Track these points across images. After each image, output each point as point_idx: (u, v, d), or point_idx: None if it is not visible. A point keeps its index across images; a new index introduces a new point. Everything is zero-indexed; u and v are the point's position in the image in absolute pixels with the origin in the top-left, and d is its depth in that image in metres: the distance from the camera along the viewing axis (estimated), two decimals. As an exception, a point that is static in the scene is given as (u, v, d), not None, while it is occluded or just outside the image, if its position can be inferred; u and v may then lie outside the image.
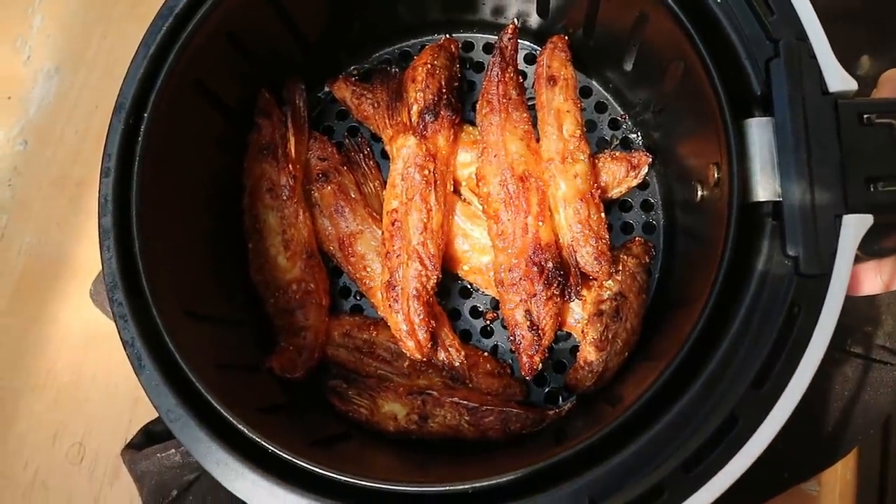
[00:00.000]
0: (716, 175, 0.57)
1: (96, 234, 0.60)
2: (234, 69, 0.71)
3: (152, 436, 0.82)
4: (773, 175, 0.52)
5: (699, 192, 0.63)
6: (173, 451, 0.77)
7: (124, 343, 0.57)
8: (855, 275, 0.61)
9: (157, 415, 0.57)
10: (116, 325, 0.58)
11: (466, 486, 0.52)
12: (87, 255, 1.01)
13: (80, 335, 0.97)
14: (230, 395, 0.57)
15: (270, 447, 0.54)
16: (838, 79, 0.52)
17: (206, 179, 0.71)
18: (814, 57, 0.53)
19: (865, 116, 0.51)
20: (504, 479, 0.51)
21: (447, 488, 0.52)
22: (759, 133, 0.53)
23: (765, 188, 0.52)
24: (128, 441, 0.79)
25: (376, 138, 0.81)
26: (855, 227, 0.50)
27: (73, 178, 1.01)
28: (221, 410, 0.55)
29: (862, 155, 0.51)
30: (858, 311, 0.83)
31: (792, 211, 0.51)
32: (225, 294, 0.71)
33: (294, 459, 0.53)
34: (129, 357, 0.57)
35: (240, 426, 0.54)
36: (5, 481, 0.88)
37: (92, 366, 0.98)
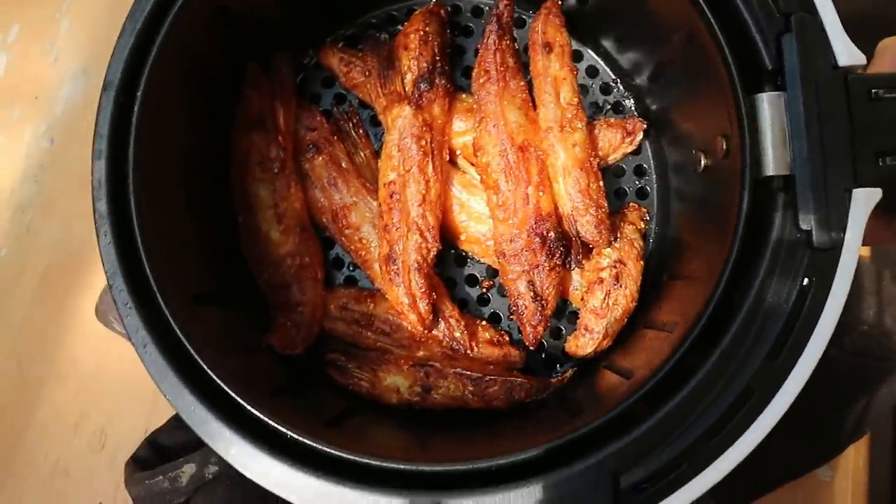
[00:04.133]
0: (724, 147, 0.57)
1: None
2: (221, 41, 0.68)
3: (157, 447, 0.80)
4: (784, 150, 0.53)
5: (703, 161, 0.63)
6: (161, 478, 0.75)
7: (128, 331, 0.55)
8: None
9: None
10: (119, 313, 0.56)
11: (490, 464, 0.52)
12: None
13: (103, 326, 0.95)
14: (241, 380, 0.56)
15: (290, 433, 0.53)
16: (848, 53, 0.52)
17: (198, 154, 0.68)
18: (824, 31, 0.53)
19: (875, 91, 0.52)
20: (528, 454, 0.52)
21: (471, 466, 0.52)
22: (771, 108, 0.53)
23: (777, 163, 0.53)
24: (134, 452, 0.78)
25: (364, 105, 0.78)
26: (864, 200, 0.51)
27: (97, 175, 1.01)
28: (237, 399, 0.54)
29: (871, 129, 0.51)
30: (856, 309, 0.85)
31: (804, 185, 0.51)
32: (223, 272, 0.69)
33: (312, 443, 0.53)
34: (134, 346, 0.55)
35: (258, 414, 0.54)
36: (28, 469, 0.89)
37: (114, 354, 0.99)
